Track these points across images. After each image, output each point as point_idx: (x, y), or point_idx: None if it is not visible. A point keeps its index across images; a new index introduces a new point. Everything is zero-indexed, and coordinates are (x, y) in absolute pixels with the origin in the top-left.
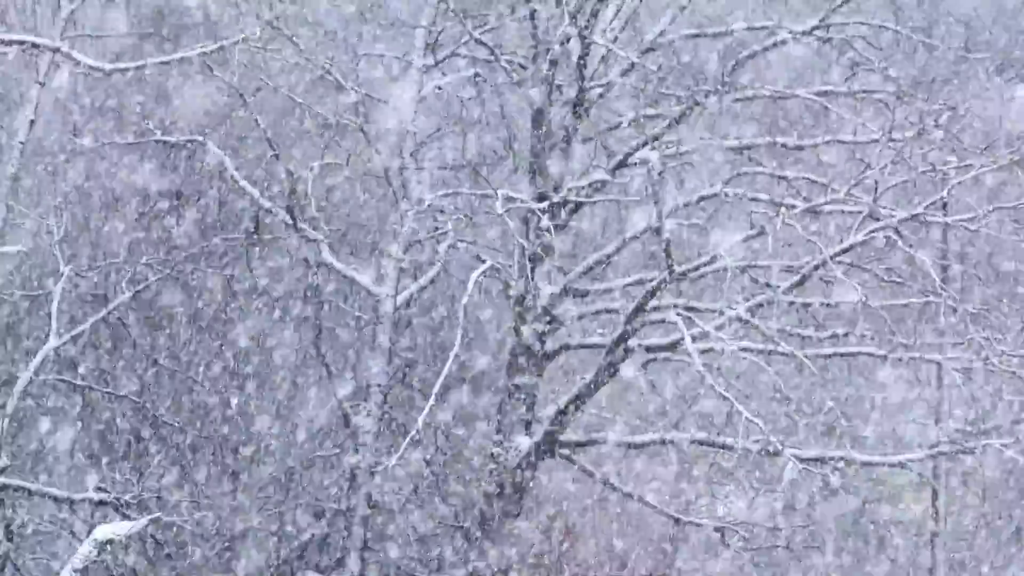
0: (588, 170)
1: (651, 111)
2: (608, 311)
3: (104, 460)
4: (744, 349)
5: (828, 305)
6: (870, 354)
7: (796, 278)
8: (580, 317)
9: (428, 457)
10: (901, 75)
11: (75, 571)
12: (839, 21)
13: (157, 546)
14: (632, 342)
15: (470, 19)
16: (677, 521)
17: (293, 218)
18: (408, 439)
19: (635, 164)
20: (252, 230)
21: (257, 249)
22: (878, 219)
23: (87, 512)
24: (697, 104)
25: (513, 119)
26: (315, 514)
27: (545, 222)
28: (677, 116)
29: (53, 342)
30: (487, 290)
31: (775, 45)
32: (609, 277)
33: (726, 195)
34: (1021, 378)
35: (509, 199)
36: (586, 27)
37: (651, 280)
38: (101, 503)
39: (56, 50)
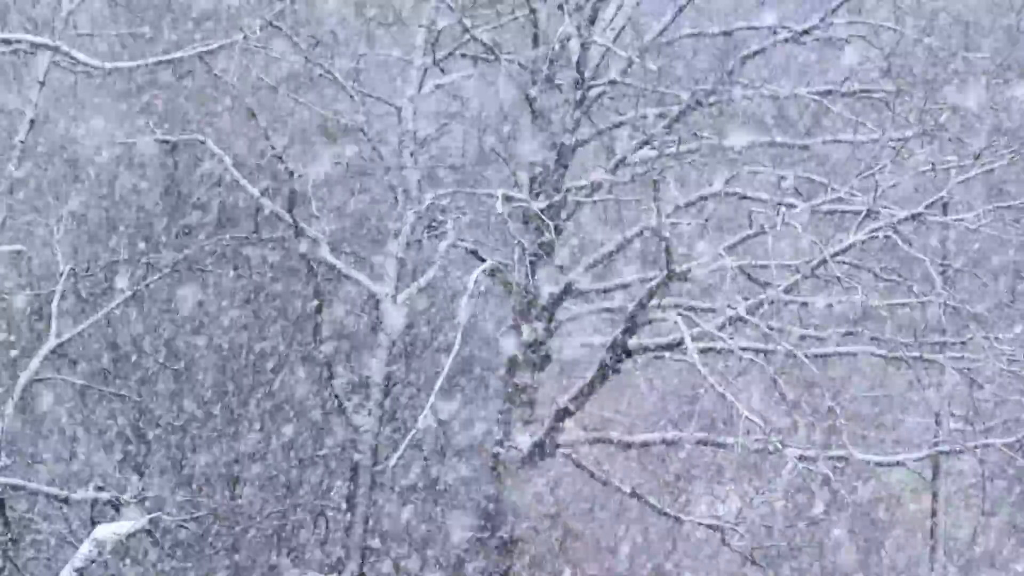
0: (588, 170)
1: (651, 111)
2: (608, 311)
3: (104, 460)
4: (744, 348)
5: (828, 305)
6: (870, 354)
7: (796, 278)
8: (580, 317)
9: (428, 456)
10: (901, 75)
11: (75, 571)
12: (839, 21)
13: (156, 546)
14: (632, 342)
15: (470, 18)
16: (677, 521)
17: (293, 218)
18: (408, 439)
19: (635, 164)
20: (252, 230)
21: (257, 248)
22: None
23: (87, 512)
24: (698, 104)
25: (513, 119)
26: (315, 514)
27: (545, 222)
28: (677, 116)
29: (53, 342)
30: (487, 290)
31: (775, 45)
32: (610, 277)
33: (726, 195)
34: (1021, 378)
35: (509, 199)
36: (586, 27)
37: (651, 280)
38: (101, 503)
39: (56, 49)
